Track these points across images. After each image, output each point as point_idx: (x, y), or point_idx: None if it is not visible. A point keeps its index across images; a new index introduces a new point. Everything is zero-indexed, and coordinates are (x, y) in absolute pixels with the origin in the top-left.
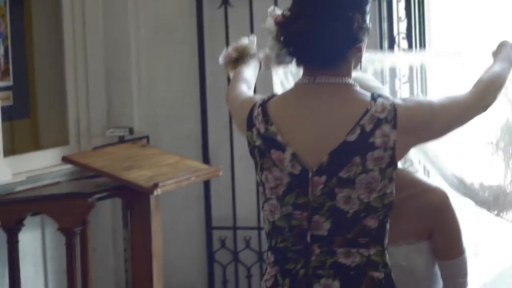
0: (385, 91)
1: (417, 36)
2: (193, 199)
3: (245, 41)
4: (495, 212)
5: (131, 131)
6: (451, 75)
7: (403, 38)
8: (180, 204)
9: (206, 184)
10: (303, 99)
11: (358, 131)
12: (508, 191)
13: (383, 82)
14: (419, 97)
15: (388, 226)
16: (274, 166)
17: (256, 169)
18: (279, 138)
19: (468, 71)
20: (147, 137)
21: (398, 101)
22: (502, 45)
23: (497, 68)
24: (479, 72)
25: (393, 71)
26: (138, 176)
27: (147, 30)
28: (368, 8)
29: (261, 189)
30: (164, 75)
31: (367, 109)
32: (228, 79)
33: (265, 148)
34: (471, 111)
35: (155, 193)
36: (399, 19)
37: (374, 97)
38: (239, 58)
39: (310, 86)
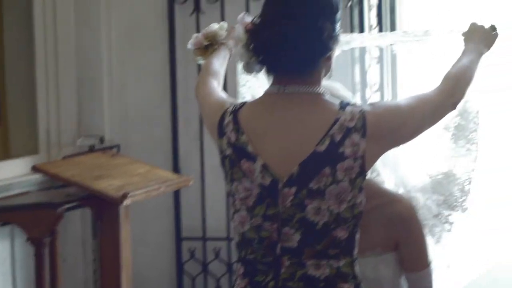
0: (355, 100)
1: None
2: (162, 209)
3: (215, 27)
4: (462, 206)
5: (101, 140)
6: (422, 73)
7: (374, 46)
8: (150, 214)
9: (176, 194)
10: (273, 110)
11: (327, 141)
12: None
13: (354, 91)
14: (388, 101)
15: (357, 236)
16: (244, 176)
17: (226, 179)
18: (249, 148)
19: (439, 62)
20: (117, 146)
21: (367, 107)
22: (473, 30)
23: (465, 61)
24: (449, 59)
25: (363, 81)
26: (108, 185)
27: (118, 38)
28: (338, 16)
29: (231, 199)
30: (135, 84)
31: (337, 119)
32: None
33: (235, 158)
34: (440, 110)
35: (125, 203)
36: (370, 27)
37: (342, 106)
38: (209, 45)
39: (280, 96)
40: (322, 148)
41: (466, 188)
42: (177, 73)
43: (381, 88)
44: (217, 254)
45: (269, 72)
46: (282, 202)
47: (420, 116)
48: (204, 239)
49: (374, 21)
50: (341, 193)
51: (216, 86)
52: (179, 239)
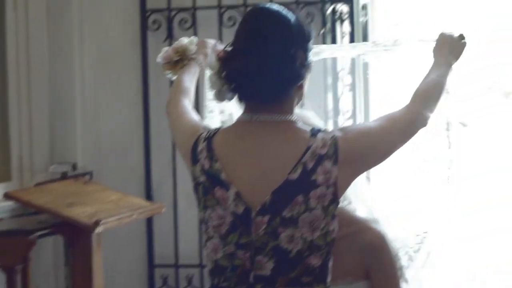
0: (327, 127)
1: (360, 72)
2: (135, 237)
3: (185, 41)
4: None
5: (74, 167)
6: (393, 85)
7: (347, 73)
8: (122, 242)
9: (149, 221)
10: (246, 138)
11: (300, 169)
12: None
13: (326, 118)
14: (359, 125)
15: (330, 263)
16: (218, 204)
17: (198, 206)
18: (223, 176)
19: (409, 73)
20: (90, 173)
21: (338, 133)
22: (442, 41)
23: (434, 75)
24: (419, 69)
25: (336, 108)
26: (80, 213)
27: (91, 65)
28: (310, 45)
29: (203, 227)
30: (108, 111)
31: (308, 146)
32: None
33: (209, 185)
34: (411, 128)
35: (97, 230)
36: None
37: (314, 133)
38: (179, 60)
39: (252, 124)
40: (294, 176)
41: (413, 256)
42: (150, 100)
43: (353, 116)
44: (189, 281)
45: (241, 100)
46: (255, 231)
47: (391, 137)
48: (176, 266)
49: None
50: (314, 220)
51: (188, 105)
52: (151, 266)
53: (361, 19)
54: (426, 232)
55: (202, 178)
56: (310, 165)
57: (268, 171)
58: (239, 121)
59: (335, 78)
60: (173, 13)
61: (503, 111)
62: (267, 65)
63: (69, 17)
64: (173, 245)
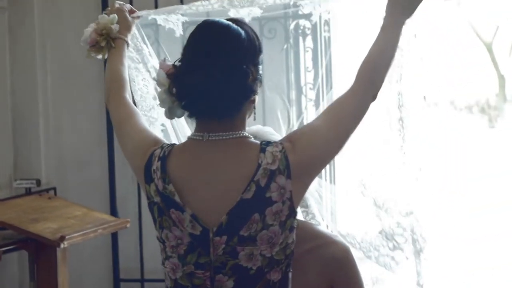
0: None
1: (324, 87)
2: (100, 252)
3: (105, 19)
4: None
5: (38, 182)
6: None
7: (310, 88)
8: (88, 257)
9: (114, 236)
10: (198, 158)
11: (253, 188)
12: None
13: (290, 105)
14: (306, 126)
15: (290, 274)
16: (174, 225)
17: (155, 225)
18: (177, 198)
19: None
20: (54, 189)
21: (286, 144)
22: (393, 1)
23: (381, 42)
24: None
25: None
26: (45, 228)
27: (54, 81)
28: (260, 59)
29: (161, 245)
30: (72, 127)
31: (259, 164)
32: None
33: (164, 207)
34: (361, 107)
35: (62, 245)
36: (306, 69)
37: (263, 148)
38: (105, 41)
39: (204, 144)
40: (248, 195)
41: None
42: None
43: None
44: None
45: (192, 116)
46: (214, 251)
47: (341, 128)
48: (142, 280)
49: (309, 63)
50: (272, 237)
51: (132, 105)
52: (117, 280)
53: (324, 34)
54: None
55: (157, 199)
56: (263, 182)
57: (222, 192)
58: (192, 139)
59: (299, 91)
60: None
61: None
62: (218, 81)
63: (31, 33)
64: (139, 259)
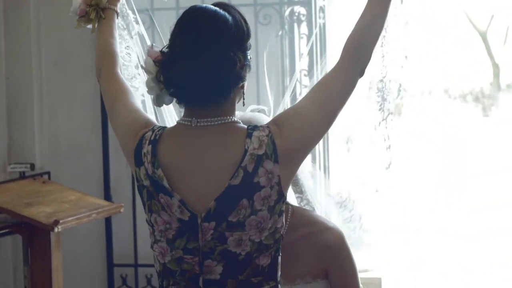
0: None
1: (319, 73)
2: (94, 236)
3: None
4: None
5: (32, 167)
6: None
7: (305, 75)
8: (81, 241)
9: (107, 221)
10: (187, 144)
11: (241, 173)
12: None
13: (284, 90)
14: (292, 110)
15: (280, 258)
16: (163, 210)
17: (144, 208)
18: (165, 183)
19: None
20: (48, 173)
21: (273, 128)
22: None
23: (368, 14)
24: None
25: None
26: (39, 212)
27: (48, 66)
28: (249, 44)
29: (150, 229)
30: (66, 111)
31: (245, 149)
32: None
33: (153, 191)
34: (348, 84)
35: (56, 230)
36: (301, 55)
37: (249, 134)
38: (94, 11)
39: (193, 130)
40: (236, 181)
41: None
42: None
43: None
44: (148, 281)
45: (181, 103)
46: (202, 236)
47: (328, 108)
48: (135, 265)
49: (304, 50)
50: (261, 222)
51: (124, 80)
52: (111, 265)
53: (319, 21)
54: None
55: (146, 182)
56: (251, 167)
57: (210, 178)
58: (180, 124)
59: (293, 78)
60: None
61: None
62: (206, 68)
63: (26, 19)
64: (132, 244)
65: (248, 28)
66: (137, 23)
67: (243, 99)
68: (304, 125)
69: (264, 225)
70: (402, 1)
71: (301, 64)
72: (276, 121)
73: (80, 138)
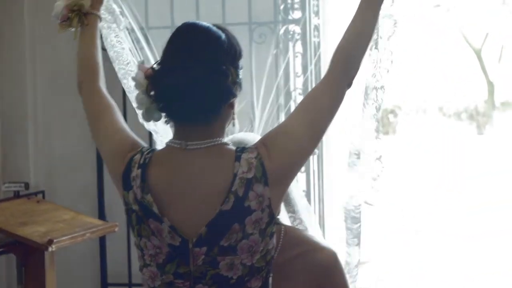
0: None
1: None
2: (88, 255)
3: None
4: None
5: (26, 186)
6: None
7: (299, 93)
8: (75, 260)
9: (102, 240)
10: (176, 169)
11: (232, 198)
12: None
13: (279, 110)
14: (280, 129)
15: (270, 279)
16: (153, 235)
17: (132, 231)
18: (155, 209)
19: None
20: (42, 192)
21: (261, 150)
22: None
23: (358, 23)
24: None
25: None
26: (33, 232)
27: (43, 84)
28: (240, 63)
29: (139, 252)
30: (61, 130)
31: (235, 174)
32: None
33: (142, 215)
34: (336, 98)
35: (50, 249)
36: (295, 74)
37: (237, 156)
38: (77, 16)
39: (182, 153)
40: (227, 206)
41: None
42: None
43: None
44: None
45: (169, 119)
46: (193, 261)
47: (317, 125)
48: (130, 285)
49: (299, 69)
50: (252, 246)
51: (107, 95)
52: (105, 284)
53: (314, 39)
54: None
55: (135, 207)
56: (241, 192)
57: (200, 203)
58: (171, 148)
59: (288, 96)
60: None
61: None
62: (197, 82)
63: (21, 36)
64: (126, 264)
65: (240, 49)
66: (124, 16)
67: (233, 119)
68: (293, 145)
69: (256, 249)
70: (395, 22)
71: (296, 82)
72: (264, 141)
73: (75, 157)
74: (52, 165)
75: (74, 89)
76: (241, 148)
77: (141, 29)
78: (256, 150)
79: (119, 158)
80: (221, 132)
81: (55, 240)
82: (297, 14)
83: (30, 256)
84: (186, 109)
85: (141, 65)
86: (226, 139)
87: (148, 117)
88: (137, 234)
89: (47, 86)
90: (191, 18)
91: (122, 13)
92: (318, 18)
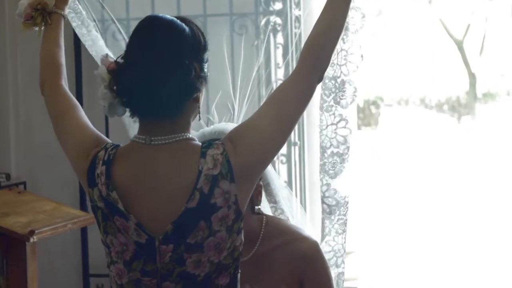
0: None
1: None
2: (70, 246)
3: None
4: None
5: (7, 177)
6: None
7: None
8: (57, 251)
9: (83, 231)
10: (141, 164)
11: (197, 196)
12: None
13: (259, 101)
14: (247, 124)
15: (238, 276)
16: (119, 232)
17: (99, 227)
18: (120, 206)
19: None
20: (24, 183)
21: (228, 146)
22: None
23: (328, 15)
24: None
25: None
26: (14, 223)
27: (24, 76)
28: (206, 56)
29: (106, 249)
30: (42, 121)
31: (200, 170)
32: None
33: (108, 212)
34: (306, 93)
35: (31, 240)
36: (276, 65)
37: (203, 153)
38: (40, 15)
39: (146, 149)
40: (193, 204)
41: None
42: (84, 110)
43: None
44: None
45: (133, 114)
46: (160, 259)
47: (284, 120)
48: None
49: (280, 60)
50: (219, 243)
51: (71, 95)
52: (86, 275)
53: (295, 30)
54: None
55: (100, 204)
56: (206, 189)
57: (166, 200)
58: (136, 143)
59: (269, 88)
60: (106, 24)
61: None
62: (160, 76)
63: (2, 30)
64: None
65: (205, 41)
66: (91, 19)
67: (199, 113)
68: (259, 139)
69: (223, 246)
70: (364, 15)
71: (277, 73)
72: (230, 137)
73: (56, 148)
74: (33, 156)
75: None
76: (207, 144)
77: (121, 20)
78: (222, 146)
79: (84, 155)
80: (186, 127)
81: (36, 231)
82: (278, 5)
83: (11, 247)
84: (149, 104)
85: (104, 59)
86: (207, 129)
87: (111, 112)
88: (104, 231)
89: (28, 78)
90: (172, 9)
91: (89, 16)
92: (299, 10)
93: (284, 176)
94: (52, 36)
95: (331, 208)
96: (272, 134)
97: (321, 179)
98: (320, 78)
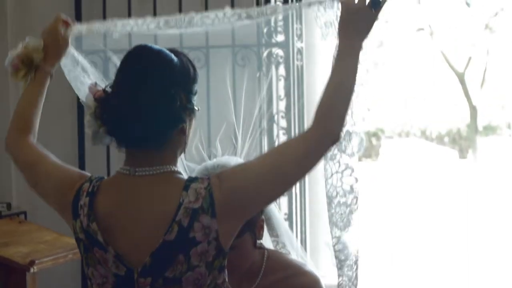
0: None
1: (296, 115)
2: (70, 277)
3: (30, 45)
4: None
5: (8, 206)
6: None
7: (282, 116)
8: (57, 282)
9: None
10: (123, 195)
11: (176, 228)
12: None
13: (262, 133)
14: (240, 167)
15: None
16: (99, 264)
17: (82, 260)
18: (99, 238)
19: None
20: (24, 213)
21: (214, 181)
22: (345, 19)
23: (338, 73)
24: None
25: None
26: (15, 252)
27: None
28: (195, 88)
29: (88, 282)
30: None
31: (180, 203)
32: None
33: (88, 244)
34: (312, 154)
35: (32, 270)
36: (278, 97)
37: (186, 185)
38: (27, 68)
39: (130, 180)
40: (171, 237)
41: None
42: (86, 140)
43: None
44: None
45: (119, 144)
46: None
47: (279, 172)
48: None
49: (282, 92)
50: (198, 279)
51: (38, 145)
52: None
53: (297, 63)
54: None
55: (81, 236)
56: (186, 222)
57: (145, 232)
58: (120, 174)
59: (271, 120)
60: (109, 54)
61: None
62: (143, 104)
63: (3, 28)
64: None
65: (195, 73)
66: (85, 71)
67: (186, 146)
68: (246, 182)
69: (202, 282)
70: (382, 43)
71: (279, 105)
72: (220, 174)
73: None
74: None
75: (57, 110)
76: (193, 178)
77: (124, 51)
78: (207, 180)
79: (67, 188)
80: (172, 160)
81: (37, 261)
82: (280, 38)
83: (11, 277)
84: (133, 133)
85: (92, 87)
86: (210, 163)
87: (95, 140)
88: (86, 263)
89: None
90: (175, 40)
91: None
92: (301, 42)
93: (284, 209)
94: (29, 93)
95: (342, 263)
96: (261, 180)
97: (330, 232)
98: (335, 140)
